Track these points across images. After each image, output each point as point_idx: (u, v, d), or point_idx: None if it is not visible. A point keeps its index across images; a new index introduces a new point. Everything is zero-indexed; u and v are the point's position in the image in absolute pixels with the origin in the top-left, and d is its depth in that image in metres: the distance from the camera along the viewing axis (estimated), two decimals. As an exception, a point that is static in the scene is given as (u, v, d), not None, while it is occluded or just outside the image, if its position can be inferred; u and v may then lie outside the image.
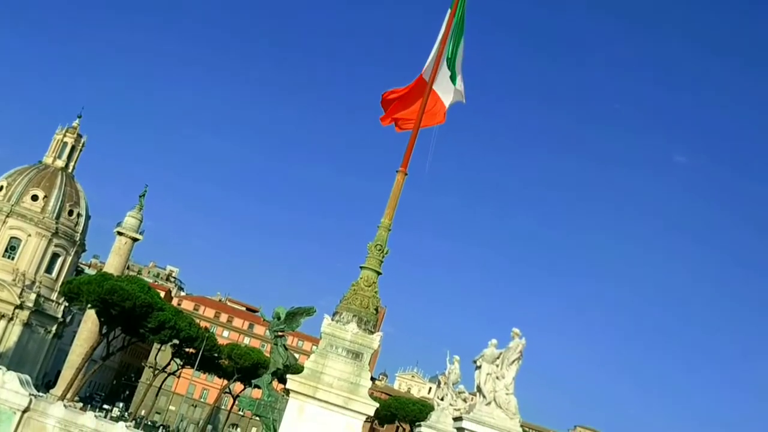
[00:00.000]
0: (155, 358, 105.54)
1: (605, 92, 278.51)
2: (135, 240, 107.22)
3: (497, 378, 37.40)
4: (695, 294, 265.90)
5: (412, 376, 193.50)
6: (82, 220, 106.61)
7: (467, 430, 36.15)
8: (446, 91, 28.98)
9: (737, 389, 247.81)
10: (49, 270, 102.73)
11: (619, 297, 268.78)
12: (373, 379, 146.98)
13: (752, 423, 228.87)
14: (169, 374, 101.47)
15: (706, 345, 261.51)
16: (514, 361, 37.49)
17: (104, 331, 79.29)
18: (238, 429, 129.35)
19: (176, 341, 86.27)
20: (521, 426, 37.84)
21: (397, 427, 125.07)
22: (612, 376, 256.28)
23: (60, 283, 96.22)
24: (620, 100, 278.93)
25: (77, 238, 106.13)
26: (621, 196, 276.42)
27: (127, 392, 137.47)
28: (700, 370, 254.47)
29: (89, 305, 77.44)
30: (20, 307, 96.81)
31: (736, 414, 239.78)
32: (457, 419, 39.00)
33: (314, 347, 26.70)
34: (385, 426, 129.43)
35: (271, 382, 28.17)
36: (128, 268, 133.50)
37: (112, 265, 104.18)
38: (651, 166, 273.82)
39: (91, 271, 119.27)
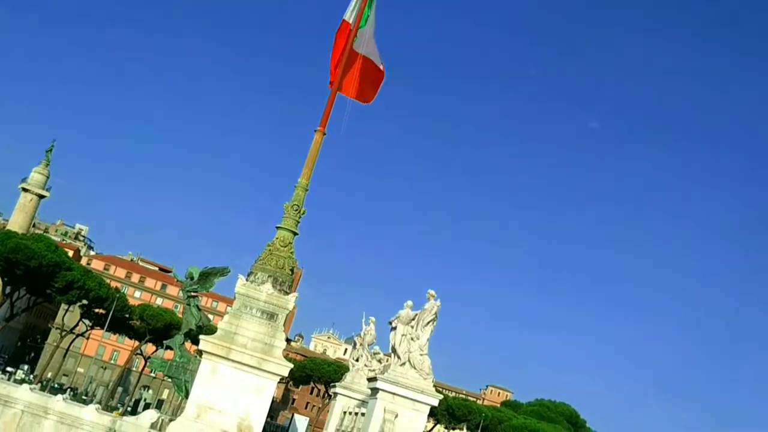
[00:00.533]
0: (63, 319, 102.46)
1: (522, 61, 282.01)
2: (41, 197, 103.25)
3: (412, 339, 37.79)
4: (601, 253, 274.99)
5: (328, 338, 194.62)
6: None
7: (381, 390, 36.50)
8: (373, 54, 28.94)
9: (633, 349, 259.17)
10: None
11: (532, 259, 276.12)
12: (288, 340, 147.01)
13: (650, 369, 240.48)
14: (78, 335, 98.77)
15: (613, 306, 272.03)
16: (429, 323, 37.93)
17: (8, 291, 76.52)
18: (150, 391, 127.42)
19: (85, 302, 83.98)
20: (435, 386, 38.45)
21: (312, 388, 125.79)
22: (523, 338, 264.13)
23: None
24: (537, 66, 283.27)
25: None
26: (532, 164, 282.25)
27: (33, 354, 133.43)
28: (604, 328, 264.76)
29: (-9, 265, 74.40)
30: None
31: (636, 371, 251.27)
32: (371, 380, 39.31)
33: (229, 308, 26.24)
34: (300, 387, 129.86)
35: (183, 343, 27.65)
36: (34, 226, 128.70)
37: (16, 222, 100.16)
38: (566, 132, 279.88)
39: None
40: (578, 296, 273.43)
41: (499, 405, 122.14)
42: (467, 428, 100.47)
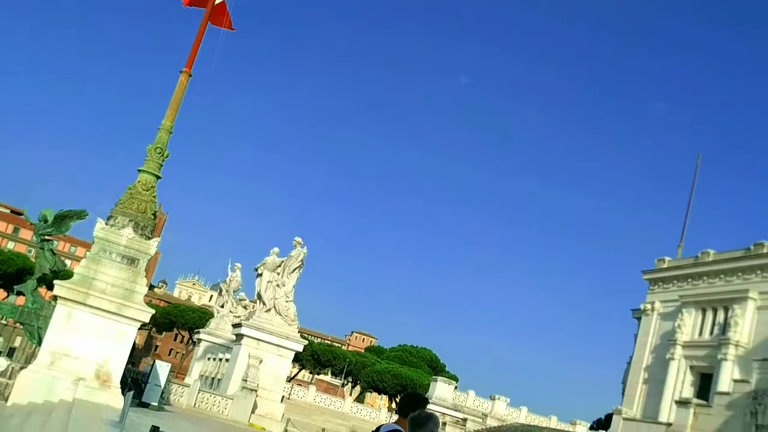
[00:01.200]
0: None
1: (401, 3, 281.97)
2: None
3: (278, 286, 37.98)
4: (459, 195, 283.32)
5: (193, 284, 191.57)
6: None
7: (246, 336, 36.59)
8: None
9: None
10: None
11: (397, 205, 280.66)
12: (151, 286, 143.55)
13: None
14: None
15: (471, 256, 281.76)
16: (295, 270, 38.22)
17: None
18: (0, 338, 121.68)
19: (-73, 245, 78.50)
20: (300, 332, 38.90)
21: (176, 335, 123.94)
22: (386, 286, 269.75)
23: None
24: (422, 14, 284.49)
25: None
26: (410, 107, 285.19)
27: None
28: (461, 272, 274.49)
29: None
30: None
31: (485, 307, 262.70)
32: (236, 326, 39.31)
33: (88, 253, 25.37)
34: (163, 333, 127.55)
35: (36, 288, 26.50)
36: None
37: None
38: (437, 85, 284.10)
39: None
40: (444, 242, 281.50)
41: (363, 350, 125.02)
42: (332, 373, 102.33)
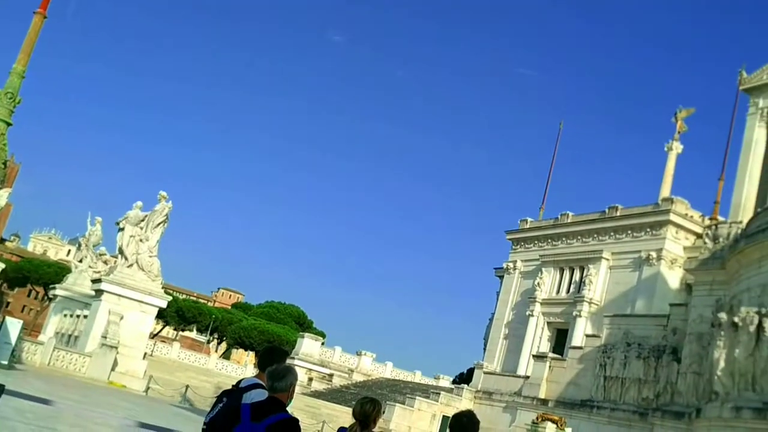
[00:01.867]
0: None
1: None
2: None
3: (141, 240, 36.58)
4: (336, 166, 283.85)
5: (50, 238, 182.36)
6: None
7: (106, 291, 35.11)
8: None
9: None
10: None
11: (265, 158, 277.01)
12: (2, 239, 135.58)
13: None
14: None
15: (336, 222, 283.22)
16: (159, 224, 36.90)
17: None
18: None
19: None
20: (164, 288, 37.75)
21: (30, 291, 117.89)
22: (253, 243, 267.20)
23: None
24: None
25: None
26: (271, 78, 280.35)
27: None
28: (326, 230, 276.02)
29: None
30: None
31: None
32: (96, 281, 37.64)
33: (-74, 202, 23.40)
34: (15, 289, 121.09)
35: None
36: None
37: None
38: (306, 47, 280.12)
39: None
40: (313, 197, 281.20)
41: (230, 307, 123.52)
42: (197, 329, 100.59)
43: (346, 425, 5.64)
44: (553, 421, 29.27)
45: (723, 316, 23.58)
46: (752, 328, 21.89)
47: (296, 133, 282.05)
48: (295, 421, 4.97)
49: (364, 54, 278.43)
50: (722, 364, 23.00)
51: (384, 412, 37.68)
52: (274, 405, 5.02)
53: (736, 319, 22.59)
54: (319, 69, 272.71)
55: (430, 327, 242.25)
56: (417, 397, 38.56)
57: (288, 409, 5.12)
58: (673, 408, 27.18)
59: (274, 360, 5.63)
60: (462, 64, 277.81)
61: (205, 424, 5.50)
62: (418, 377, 60.58)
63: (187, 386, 36.90)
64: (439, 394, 39.49)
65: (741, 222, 27.56)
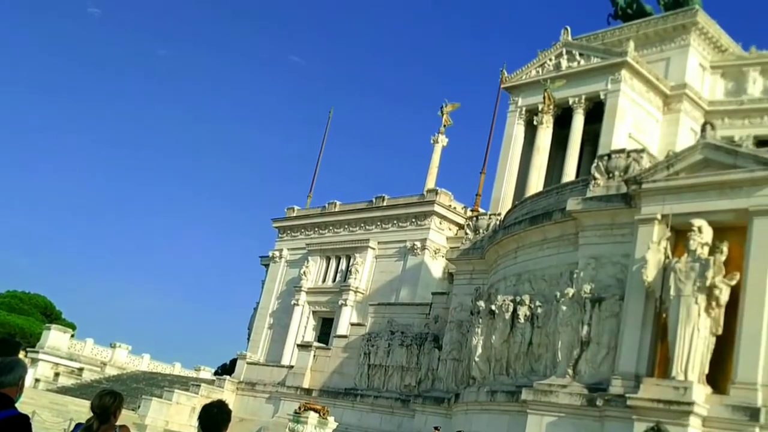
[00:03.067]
0: None
1: None
2: None
3: None
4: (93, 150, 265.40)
5: None
6: None
7: None
8: None
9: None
10: None
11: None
12: None
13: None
14: None
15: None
16: None
17: None
18: None
19: None
20: None
21: None
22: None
23: None
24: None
25: None
26: None
27: None
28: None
29: None
30: None
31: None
32: None
33: None
34: None
35: None
36: None
37: None
38: None
39: None
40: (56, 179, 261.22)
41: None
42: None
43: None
44: (316, 410, 28.86)
45: (481, 304, 24.41)
46: (507, 316, 22.76)
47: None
48: (24, 418, 4.73)
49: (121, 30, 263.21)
50: (480, 350, 23.76)
51: (140, 407, 35.42)
52: (1, 401, 4.77)
53: (493, 307, 23.42)
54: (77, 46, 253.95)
55: (192, 317, 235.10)
56: (176, 390, 36.62)
57: (17, 404, 4.90)
58: (433, 394, 27.83)
59: (5, 353, 5.38)
60: (235, 49, 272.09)
61: None
62: (177, 369, 58.08)
63: None
64: (200, 386, 37.82)
65: (500, 214, 28.80)
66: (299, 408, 29.74)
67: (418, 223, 39.89)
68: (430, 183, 42.48)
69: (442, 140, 43.83)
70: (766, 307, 15.92)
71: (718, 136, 19.39)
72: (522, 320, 22.10)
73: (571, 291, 19.88)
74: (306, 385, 34.60)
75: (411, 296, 37.70)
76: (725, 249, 16.80)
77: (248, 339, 48.24)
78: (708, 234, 16.97)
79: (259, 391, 36.75)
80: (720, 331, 16.48)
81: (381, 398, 30.85)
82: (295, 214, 48.19)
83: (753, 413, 15.30)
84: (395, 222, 41.09)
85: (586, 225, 20.35)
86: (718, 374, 16.44)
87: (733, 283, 16.43)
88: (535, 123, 35.86)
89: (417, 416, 28.13)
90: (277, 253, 47.86)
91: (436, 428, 23.75)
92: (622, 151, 21.03)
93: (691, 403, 15.70)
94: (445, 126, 43.49)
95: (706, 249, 16.87)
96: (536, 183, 34.21)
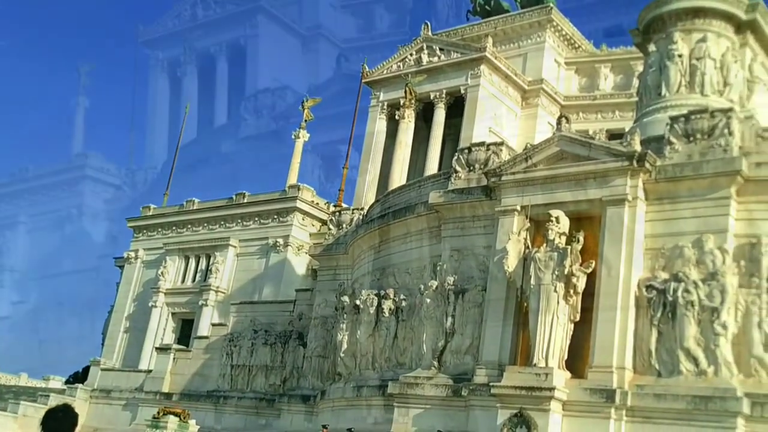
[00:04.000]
0: None
1: None
2: None
3: None
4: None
5: None
6: None
7: None
8: None
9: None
10: None
11: None
12: None
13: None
14: None
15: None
16: None
17: None
18: None
19: None
20: None
21: None
22: None
23: None
24: None
25: None
26: None
27: None
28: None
29: None
30: None
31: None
32: None
33: None
34: None
35: None
36: None
37: None
38: None
39: None
40: None
41: None
42: None
43: None
44: (176, 414, 27.71)
45: (346, 299, 24.17)
46: (372, 310, 22.65)
47: None
48: None
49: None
50: (345, 345, 23.53)
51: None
52: None
53: (358, 302, 23.24)
54: None
55: (39, 324, 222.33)
56: (22, 402, 34.18)
57: None
58: (299, 392, 27.36)
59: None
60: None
61: None
62: (24, 380, 54.47)
63: None
64: (49, 396, 35.43)
65: (363, 209, 28.70)
66: (158, 413, 28.47)
67: (281, 219, 39.19)
68: (292, 179, 41.89)
69: (304, 135, 43.29)
70: (620, 294, 16.58)
71: (574, 129, 20.08)
72: (387, 314, 22.03)
73: (434, 283, 19.99)
74: (166, 389, 33.20)
75: (275, 294, 36.97)
76: (581, 238, 17.34)
77: (102, 344, 45.90)
78: (565, 224, 17.47)
79: (116, 399, 34.93)
80: (578, 318, 17.02)
81: (245, 399, 30.06)
82: (150, 213, 46.26)
83: (609, 395, 15.87)
84: (257, 219, 40.19)
85: (448, 217, 20.52)
86: (577, 359, 16.98)
87: (589, 270, 16.97)
88: (397, 118, 36.14)
89: (283, 415, 27.59)
90: (132, 254, 45.79)
91: (324, 426, 23.28)
92: (482, 144, 21.35)
93: (552, 389, 16.09)
94: (306, 121, 42.97)
95: (564, 239, 17.34)
96: (399, 177, 34.45)
